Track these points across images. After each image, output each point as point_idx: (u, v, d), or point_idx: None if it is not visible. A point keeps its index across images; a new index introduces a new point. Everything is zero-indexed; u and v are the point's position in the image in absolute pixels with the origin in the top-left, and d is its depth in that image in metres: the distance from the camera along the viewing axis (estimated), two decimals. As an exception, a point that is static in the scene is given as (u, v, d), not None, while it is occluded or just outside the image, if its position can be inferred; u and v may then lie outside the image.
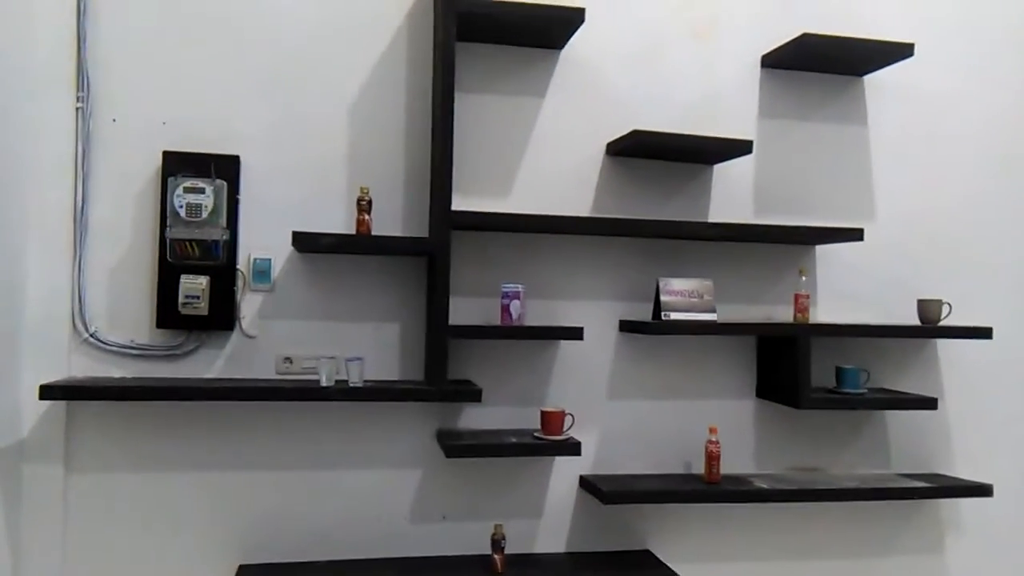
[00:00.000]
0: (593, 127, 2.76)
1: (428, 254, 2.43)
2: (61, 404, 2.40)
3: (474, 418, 2.66)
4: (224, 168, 2.47)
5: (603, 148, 2.77)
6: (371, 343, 2.60)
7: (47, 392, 2.22)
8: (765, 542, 2.84)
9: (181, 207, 2.42)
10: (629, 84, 2.79)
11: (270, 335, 2.56)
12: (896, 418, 2.96)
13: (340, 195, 2.60)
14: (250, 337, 2.55)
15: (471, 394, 2.41)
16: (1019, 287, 3.07)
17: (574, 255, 2.74)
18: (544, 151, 2.74)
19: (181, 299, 2.39)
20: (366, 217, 2.44)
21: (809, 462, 2.89)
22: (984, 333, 2.74)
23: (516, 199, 2.70)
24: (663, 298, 2.57)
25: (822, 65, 2.86)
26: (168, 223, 2.42)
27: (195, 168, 2.44)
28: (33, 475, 2.39)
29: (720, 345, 2.84)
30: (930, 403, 2.73)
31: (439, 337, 2.39)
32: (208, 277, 2.43)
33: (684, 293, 2.59)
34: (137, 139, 2.49)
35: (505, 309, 2.52)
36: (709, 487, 2.59)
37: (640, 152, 2.73)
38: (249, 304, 2.55)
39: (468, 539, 2.64)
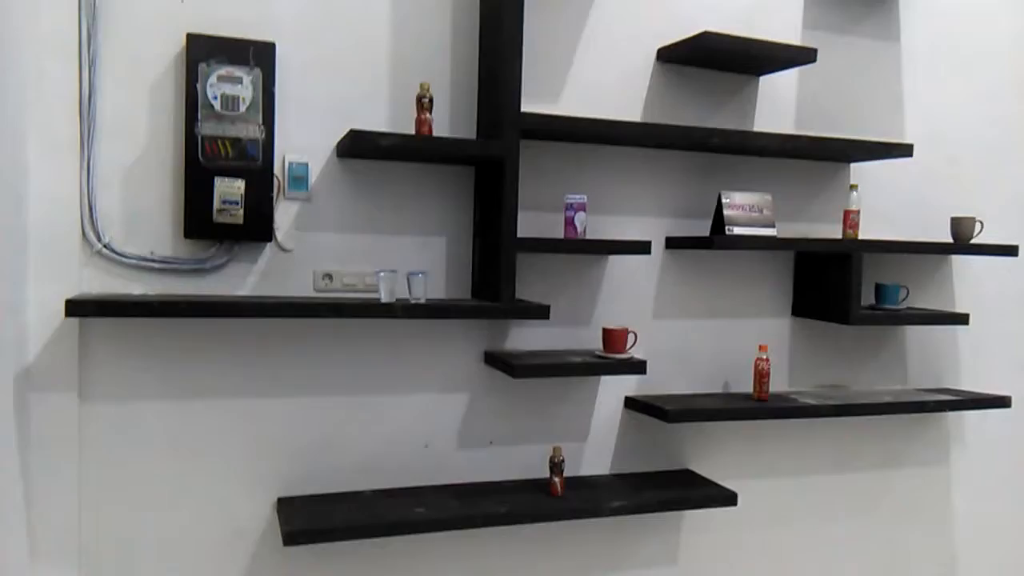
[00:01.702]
0: (642, 30, 2.60)
1: (497, 161, 2.22)
2: (73, 325, 2.09)
3: (522, 339, 2.51)
4: (259, 56, 2.16)
5: (653, 53, 2.61)
6: (416, 258, 2.39)
7: (75, 308, 1.91)
8: (794, 457, 2.87)
9: (215, 99, 2.10)
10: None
11: (307, 249, 2.31)
12: (914, 335, 3.02)
13: (382, 93, 2.35)
14: (285, 251, 2.29)
15: (539, 310, 2.26)
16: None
17: (619, 168, 2.59)
18: (594, 55, 2.55)
19: (217, 205, 2.11)
20: (427, 116, 2.20)
21: (836, 379, 2.92)
22: (1011, 251, 2.80)
23: (564, 106, 2.52)
24: (727, 212, 2.48)
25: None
26: (198, 117, 2.10)
27: (228, 54, 2.12)
28: (43, 405, 2.08)
29: (760, 263, 2.79)
30: (962, 319, 2.79)
31: (508, 252, 2.21)
32: (243, 181, 2.14)
33: (745, 207, 2.51)
34: (152, 18, 2.14)
35: (569, 222, 2.37)
36: (762, 404, 2.56)
37: (694, 59, 2.59)
38: (284, 214, 2.28)
39: (517, 464, 2.53)
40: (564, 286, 2.55)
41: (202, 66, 2.10)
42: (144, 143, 2.15)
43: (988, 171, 3.09)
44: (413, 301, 2.19)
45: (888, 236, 2.89)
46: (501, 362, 2.35)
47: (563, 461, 2.40)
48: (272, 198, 2.22)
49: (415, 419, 2.43)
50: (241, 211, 2.13)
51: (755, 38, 2.46)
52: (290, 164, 2.26)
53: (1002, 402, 2.83)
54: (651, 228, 2.65)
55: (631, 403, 2.61)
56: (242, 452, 2.27)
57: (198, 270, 2.21)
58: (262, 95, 2.16)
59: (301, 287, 2.31)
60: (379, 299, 2.18)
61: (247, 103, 2.13)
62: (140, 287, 2.17)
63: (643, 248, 2.40)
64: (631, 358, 2.40)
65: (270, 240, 2.24)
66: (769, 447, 2.83)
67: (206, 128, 2.11)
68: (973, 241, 2.82)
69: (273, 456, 2.30)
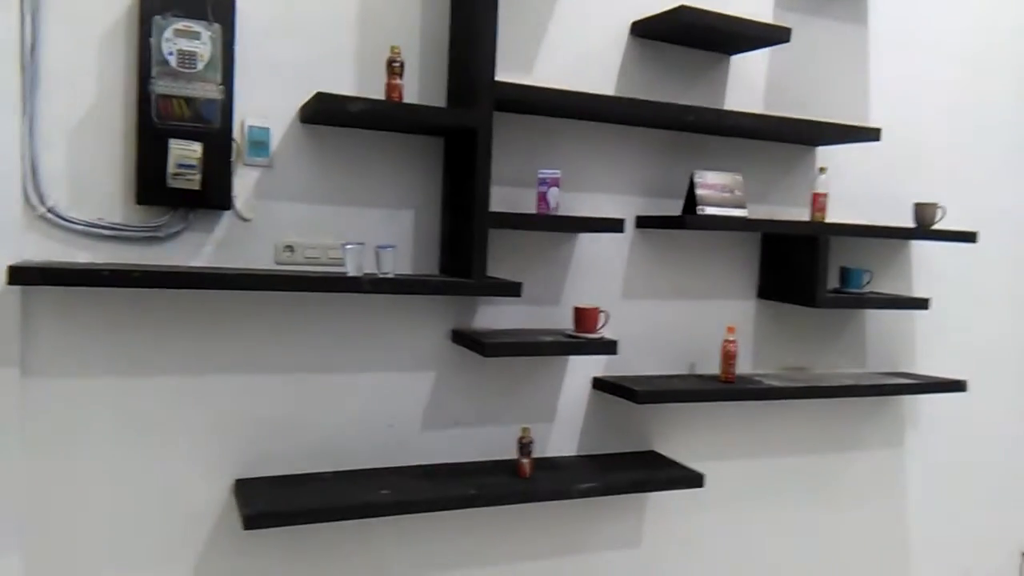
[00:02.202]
0: (615, 2, 2.54)
1: (470, 131, 2.14)
2: (14, 294, 1.93)
3: (490, 317, 2.44)
4: (218, 11, 2.03)
5: (627, 27, 2.56)
6: (382, 231, 2.29)
7: (18, 275, 1.77)
8: (757, 439, 2.87)
9: (171, 54, 1.97)
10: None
11: (267, 219, 2.19)
12: (873, 319, 3.05)
13: (348, 55, 2.24)
14: (244, 220, 2.17)
15: (510, 288, 2.19)
16: (984, 195, 3.21)
17: (589, 144, 2.53)
18: (567, 26, 2.49)
19: (172, 168, 1.97)
20: (398, 82, 2.11)
21: (799, 361, 2.93)
22: (970, 237, 2.84)
23: (536, 78, 2.44)
24: (699, 192, 2.45)
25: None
26: (152, 74, 1.97)
27: (185, 7, 1.98)
28: (-21, 381, 1.93)
29: (728, 244, 2.77)
30: (922, 303, 2.82)
31: (481, 227, 2.14)
32: (201, 144, 2.01)
33: (717, 187, 2.48)
34: (101, -35, 1.99)
35: (542, 197, 2.30)
36: (729, 386, 2.55)
37: (668, 35, 2.54)
38: (243, 182, 2.16)
39: (483, 445, 2.46)
40: (533, 264, 2.49)
41: (157, 19, 1.96)
42: (92, 100, 2.00)
43: (949, 157, 3.13)
44: (381, 276, 2.10)
45: (849, 220, 2.90)
46: (470, 340, 2.27)
47: (532, 442, 2.34)
48: (231, 164, 2.09)
49: (379, 398, 2.34)
50: (198, 176, 2.00)
51: (732, 15, 2.43)
52: (250, 128, 2.14)
53: (958, 386, 2.88)
54: (620, 206, 2.60)
55: (599, 384, 2.57)
56: (197, 432, 2.15)
57: (151, 238, 2.07)
58: (221, 53, 2.03)
59: (261, 259, 2.19)
60: (345, 273, 2.08)
61: (205, 61, 2.00)
62: (87, 255, 2.02)
63: (617, 226, 2.35)
64: (602, 338, 2.36)
65: (229, 208, 2.11)
66: (733, 428, 2.82)
67: (160, 86, 1.97)
68: (935, 227, 2.85)
69: (230, 436, 2.18)
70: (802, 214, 2.86)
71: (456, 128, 2.16)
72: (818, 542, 3.04)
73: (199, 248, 2.13)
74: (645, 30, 2.52)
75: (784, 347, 2.90)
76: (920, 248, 3.09)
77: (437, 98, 2.33)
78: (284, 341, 2.22)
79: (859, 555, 3.13)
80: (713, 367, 2.72)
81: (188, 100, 2.00)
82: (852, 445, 3.07)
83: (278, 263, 2.21)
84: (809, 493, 2.99)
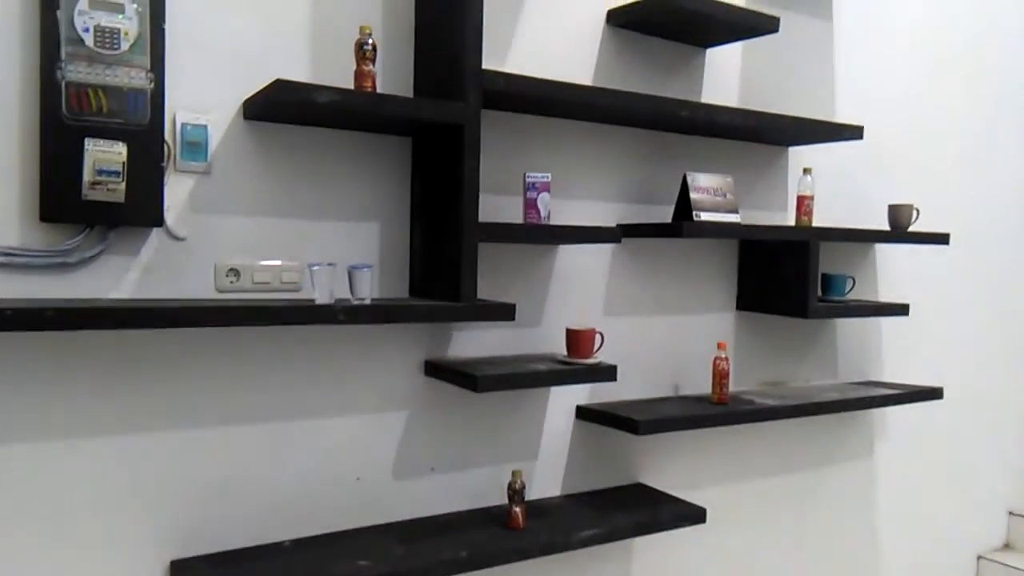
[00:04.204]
0: (592, -12, 2.29)
1: (453, 129, 1.81)
2: None
3: (466, 343, 2.12)
4: (144, -21, 1.62)
5: (604, 15, 2.30)
6: (343, 248, 1.93)
7: None
8: (740, 461, 2.68)
9: (86, 31, 1.54)
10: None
11: (205, 236, 1.79)
12: (844, 327, 2.93)
13: (302, 37, 1.87)
14: (177, 239, 1.76)
15: (504, 311, 1.88)
16: (951, 195, 3.15)
17: (564, 144, 2.26)
18: (542, 14, 2.21)
19: (89, 176, 1.55)
20: (370, 68, 1.75)
21: (776, 375, 2.76)
22: (943, 239, 2.76)
23: (511, 69, 2.14)
24: (693, 196, 2.21)
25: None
26: (61, 56, 1.53)
27: (101, -27, 1.57)
28: None
29: (708, 253, 2.56)
30: (903, 309, 2.71)
31: (470, 240, 1.82)
32: (126, 145, 1.60)
33: (710, 190, 2.26)
34: (-14, -84, 1.54)
35: (531, 204, 2.00)
36: (726, 408, 2.33)
37: (645, 25, 2.31)
38: (175, 191, 1.74)
39: (464, 492, 2.14)
40: (511, 280, 2.19)
41: (66, -15, 1.53)
42: (-24, 89, 1.55)
43: (914, 157, 3.06)
44: (356, 302, 1.74)
45: (822, 223, 2.76)
46: (453, 373, 1.94)
47: (524, 487, 2.04)
48: (163, 169, 1.68)
49: (343, 447, 1.97)
50: (123, 185, 1.58)
51: (722, 1, 2.22)
52: (183, 126, 1.73)
53: (935, 394, 2.79)
54: (602, 213, 2.34)
55: (585, 413, 2.29)
56: (123, 504, 1.72)
57: (59, 265, 1.63)
58: (150, 30, 1.62)
59: (199, 286, 1.78)
60: (311, 300, 1.71)
61: (131, 40, 1.59)
62: (-28, 289, 1.56)
63: (613, 236, 2.08)
64: (600, 363, 2.08)
65: (160, 225, 1.70)
66: (718, 452, 2.61)
67: (73, 72, 1.54)
68: (911, 229, 2.75)
69: (164, 506, 1.76)
70: (777, 218, 2.70)
71: (437, 124, 1.82)
72: (804, 561, 2.88)
73: (121, 275, 1.70)
74: (623, 19, 2.28)
75: (762, 361, 2.72)
76: (885, 251, 3.00)
77: (403, 89, 1.99)
78: (228, 387, 1.82)
79: (835, 570, 3.00)
80: (697, 386, 2.51)
81: (108, 90, 1.58)
82: (826, 460, 2.93)
83: (220, 290, 1.80)
84: (791, 513, 2.83)
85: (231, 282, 1.80)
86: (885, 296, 3.01)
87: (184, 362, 1.76)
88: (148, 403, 1.73)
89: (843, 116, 2.84)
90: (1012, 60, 3.41)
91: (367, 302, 1.74)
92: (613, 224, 2.35)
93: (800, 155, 2.74)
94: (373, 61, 1.75)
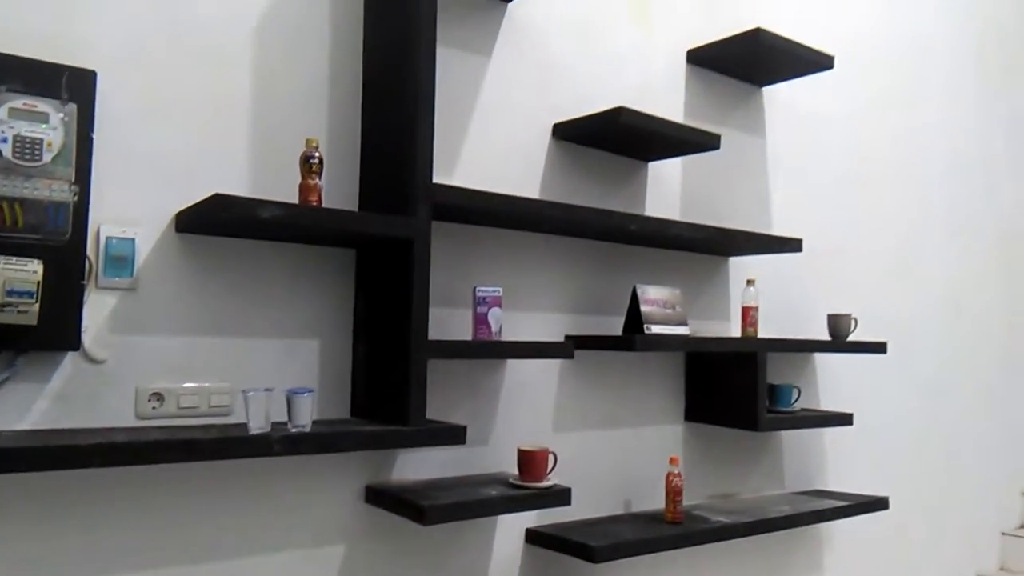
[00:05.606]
0: (540, 102, 2.29)
1: (403, 243, 1.73)
2: None
3: (410, 466, 1.98)
4: (74, 88, 1.52)
5: (549, 128, 2.30)
6: (280, 368, 1.80)
7: None
8: (693, 582, 2.57)
9: (4, 141, 1.42)
10: (574, 56, 2.36)
11: (127, 358, 1.64)
12: (790, 437, 2.89)
13: (239, 149, 1.78)
14: (96, 362, 1.60)
15: (454, 435, 1.76)
16: (877, 302, 3.21)
17: (510, 256, 2.21)
18: (489, 127, 2.18)
19: (-1, 298, 1.40)
20: (317, 182, 1.67)
21: (726, 488, 2.69)
22: (880, 348, 2.79)
23: (458, 181, 2.10)
24: (644, 308, 2.17)
25: (736, 70, 2.72)
26: (-27, 167, 1.41)
27: (28, 80, 1.46)
28: None
29: (657, 365, 2.51)
30: (847, 419, 2.70)
31: (419, 358, 1.71)
32: (41, 263, 1.46)
33: (659, 302, 2.22)
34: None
35: (482, 319, 1.92)
36: (684, 529, 2.23)
37: (592, 138, 2.32)
38: (95, 310, 1.60)
39: (407, 634, 1.96)
40: (458, 396, 2.08)
41: (-14, 92, 1.42)
42: None
43: (848, 265, 3.12)
44: (294, 430, 1.60)
45: (762, 332, 2.76)
46: (398, 502, 1.80)
47: (475, 626, 1.88)
48: (84, 287, 1.54)
49: (276, 590, 1.78)
50: (36, 307, 1.44)
51: (671, 119, 2.24)
52: (108, 240, 1.60)
53: (882, 504, 2.76)
54: (551, 324, 2.28)
55: (536, 538, 2.16)
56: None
57: (-45, 395, 1.45)
58: (75, 141, 1.51)
59: (118, 413, 1.62)
60: (246, 429, 1.56)
61: (55, 151, 1.47)
62: None
63: (566, 351, 2.01)
64: (554, 486, 1.97)
65: (76, 348, 1.54)
66: (673, 570, 2.49)
67: (-13, 183, 1.41)
68: (850, 339, 2.77)
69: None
70: (721, 327, 2.68)
71: (389, 239, 1.74)
72: None
73: (28, 406, 1.53)
74: (568, 132, 2.28)
75: (711, 473, 2.65)
76: (825, 358, 3.02)
77: (347, 199, 1.91)
78: (139, 526, 1.63)
79: None
80: (649, 502, 2.41)
81: (26, 203, 1.45)
82: (779, 574, 2.85)
83: (141, 417, 1.64)
84: (745, 636, 2.71)
85: (153, 408, 1.65)
86: (827, 403, 3.00)
87: (86, 501, 1.57)
88: (47, 549, 1.53)
89: (779, 227, 2.88)
90: (932, 161, 3.55)
91: (307, 429, 1.60)
92: (562, 335, 2.28)
93: (740, 265, 2.75)
94: (320, 174, 1.68)
